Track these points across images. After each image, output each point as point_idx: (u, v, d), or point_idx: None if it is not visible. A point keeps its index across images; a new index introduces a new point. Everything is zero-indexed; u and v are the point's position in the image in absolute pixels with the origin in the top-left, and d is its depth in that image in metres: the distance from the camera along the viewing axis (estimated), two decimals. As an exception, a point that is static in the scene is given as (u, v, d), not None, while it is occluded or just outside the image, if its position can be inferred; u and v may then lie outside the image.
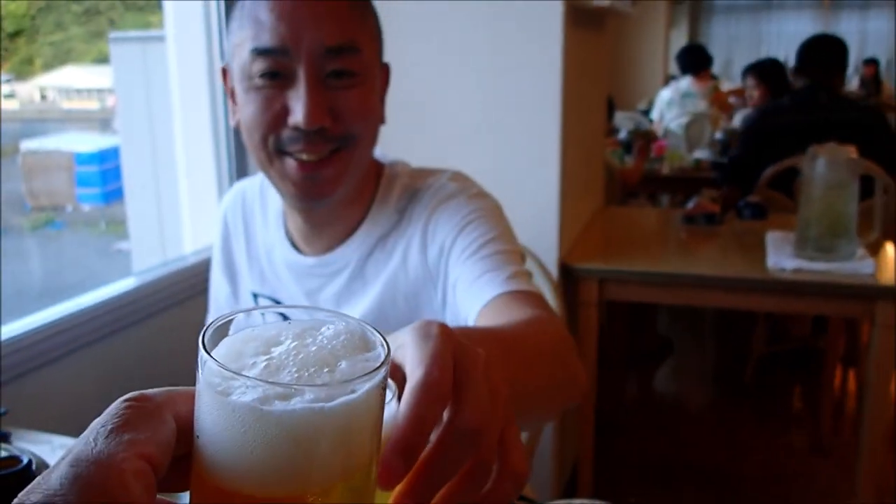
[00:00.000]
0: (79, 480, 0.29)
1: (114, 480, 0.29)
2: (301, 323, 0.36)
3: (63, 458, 0.30)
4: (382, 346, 0.35)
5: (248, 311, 0.38)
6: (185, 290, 1.77)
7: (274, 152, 0.97)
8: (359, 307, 1.07)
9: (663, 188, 4.53)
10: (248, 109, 0.97)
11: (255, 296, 1.17)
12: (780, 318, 3.65)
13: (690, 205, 2.70)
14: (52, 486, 0.29)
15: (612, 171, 3.42)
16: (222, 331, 0.36)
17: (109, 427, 0.31)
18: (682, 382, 3.79)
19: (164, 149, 2.24)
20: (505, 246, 0.99)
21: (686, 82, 5.61)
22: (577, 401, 0.85)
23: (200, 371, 0.33)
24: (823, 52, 3.30)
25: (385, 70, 1.07)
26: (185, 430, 0.34)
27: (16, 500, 0.29)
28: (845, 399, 3.36)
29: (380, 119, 1.05)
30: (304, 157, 0.96)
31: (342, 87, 0.96)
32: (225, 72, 1.04)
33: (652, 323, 3.97)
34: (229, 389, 0.31)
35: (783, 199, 2.99)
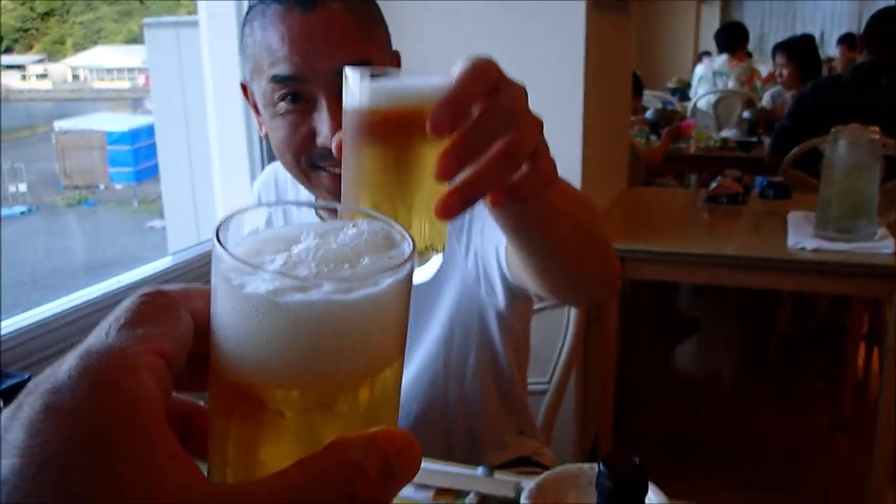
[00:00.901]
0: (87, 372, 0.27)
1: (125, 373, 0.28)
2: (323, 224, 0.35)
3: (73, 351, 0.29)
4: (408, 243, 0.34)
5: (269, 205, 0.37)
6: (219, 267, 1.84)
7: (307, 167, 1.02)
8: None
9: (690, 168, 4.52)
10: (277, 134, 1.01)
11: None
12: (804, 296, 3.65)
13: (713, 185, 2.71)
14: (60, 378, 0.27)
15: (636, 152, 3.44)
16: (240, 232, 0.35)
17: (123, 321, 0.30)
18: (705, 359, 3.81)
19: (198, 129, 2.30)
20: None
21: (721, 60, 5.57)
22: (614, 285, 0.93)
23: (215, 267, 0.31)
24: (889, 27, 3.06)
25: (396, 58, 1.10)
26: (203, 327, 0.33)
27: (25, 390, 0.28)
28: (868, 377, 3.36)
29: None
30: (337, 170, 1.00)
31: None
32: (245, 87, 1.08)
33: (674, 300, 4.00)
34: (245, 283, 0.30)
35: (808, 179, 2.98)
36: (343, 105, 0.57)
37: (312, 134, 0.99)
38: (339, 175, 1.00)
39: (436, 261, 0.59)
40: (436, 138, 0.52)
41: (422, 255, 0.57)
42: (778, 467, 2.70)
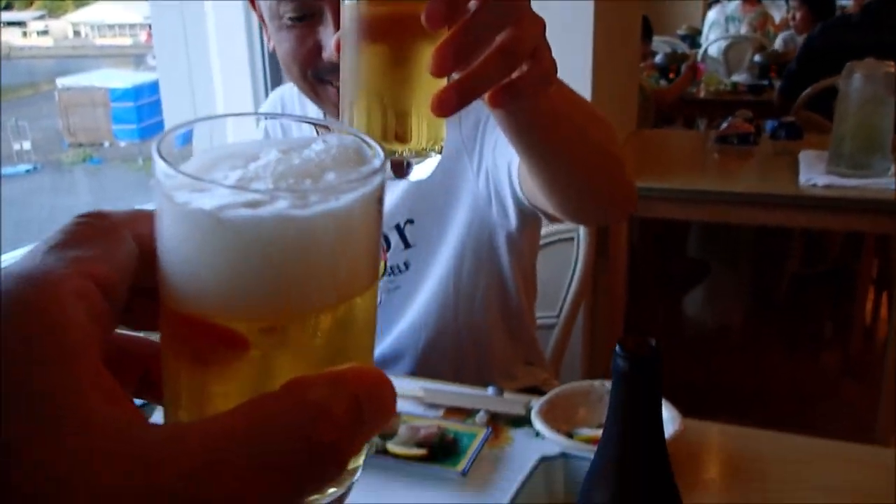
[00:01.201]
0: (2, 295, 0.24)
1: (48, 298, 0.24)
2: (288, 140, 0.32)
3: None
4: (379, 157, 0.30)
5: (233, 115, 0.34)
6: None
7: (314, 81, 1.00)
8: (398, 185, 1.14)
9: (700, 112, 4.47)
10: (282, 47, 0.99)
11: None
12: (814, 239, 3.63)
13: (724, 126, 2.67)
14: None
15: (646, 95, 3.39)
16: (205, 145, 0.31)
17: (53, 243, 0.27)
18: (714, 305, 3.81)
19: (202, 84, 2.27)
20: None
21: (733, 5, 5.47)
22: (627, 206, 0.93)
23: (157, 186, 0.28)
24: None
25: None
26: (153, 254, 0.29)
27: None
28: (877, 322, 3.36)
29: None
30: None
31: None
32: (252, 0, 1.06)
33: (682, 247, 3.98)
34: (189, 201, 0.27)
35: (820, 120, 2.94)
36: None
37: (318, 48, 0.97)
38: None
39: (433, 161, 0.58)
40: (433, 33, 0.51)
41: (419, 154, 0.57)
42: (787, 412, 2.71)
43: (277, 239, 0.26)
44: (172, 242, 0.28)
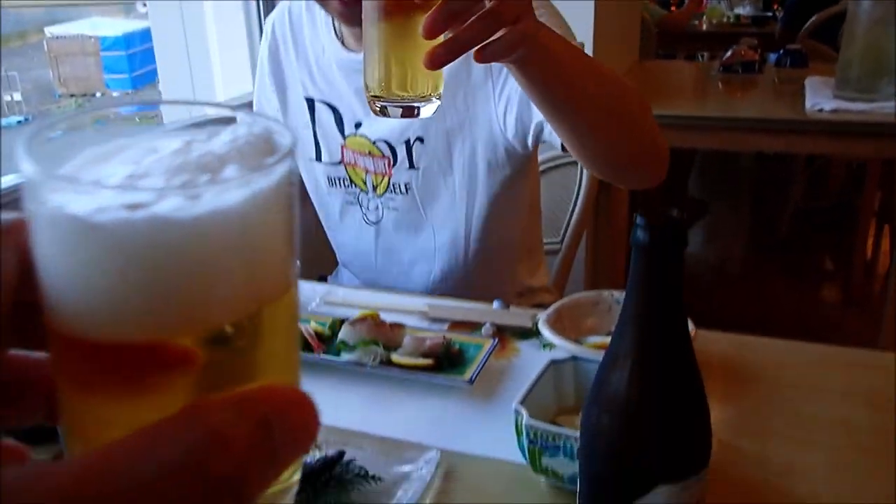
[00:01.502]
0: None
1: None
2: (192, 131, 0.28)
3: None
4: (287, 142, 0.26)
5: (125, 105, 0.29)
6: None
7: None
8: None
9: (702, 46, 4.39)
10: None
11: (309, 100, 1.20)
12: (817, 175, 3.60)
13: (728, 54, 2.62)
14: None
15: (648, 27, 3.32)
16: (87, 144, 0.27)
17: None
18: (717, 242, 3.80)
19: (196, 31, 2.20)
20: (571, 42, 1.01)
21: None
22: (658, 167, 0.97)
23: (28, 189, 0.24)
24: None
25: None
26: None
27: None
28: (878, 255, 3.35)
29: None
30: None
31: None
32: None
33: (684, 185, 3.95)
34: (63, 204, 0.23)
35: (825, 50, 2.88)
36: None
37: None
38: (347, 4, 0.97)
39: (435, 104, 0.74)
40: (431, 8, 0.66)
41: (423, 98, 0.73)
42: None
43: (160, 244, 0.23)
44: (47, 251, 0.24)
